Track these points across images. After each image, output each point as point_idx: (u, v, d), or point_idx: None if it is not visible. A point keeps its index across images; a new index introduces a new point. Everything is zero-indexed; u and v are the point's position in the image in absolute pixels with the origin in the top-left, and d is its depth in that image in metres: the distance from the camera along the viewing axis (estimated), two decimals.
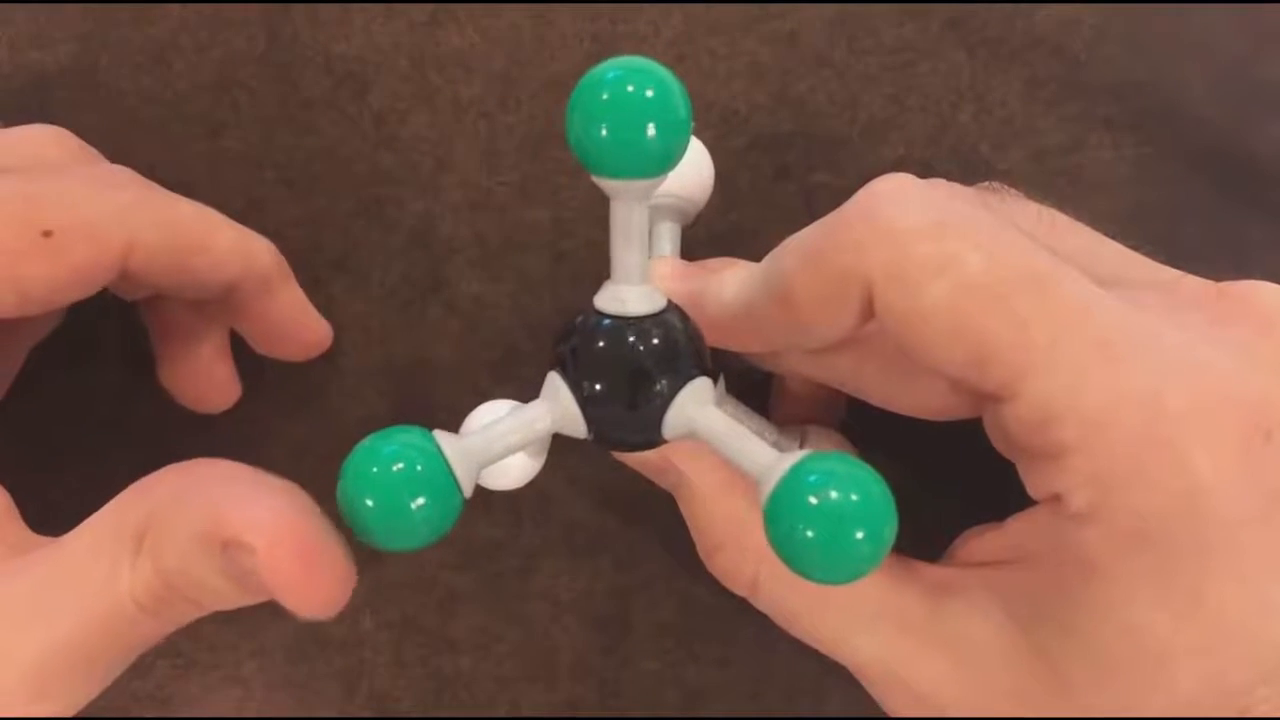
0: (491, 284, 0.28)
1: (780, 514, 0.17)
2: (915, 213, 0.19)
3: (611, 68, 0.17)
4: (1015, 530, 0.22)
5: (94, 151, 0.26)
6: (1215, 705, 0.19)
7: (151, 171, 0.27)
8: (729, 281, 0.22)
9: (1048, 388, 0.18)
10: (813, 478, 0.17)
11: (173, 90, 0.28)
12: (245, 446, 0.27)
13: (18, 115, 0.28)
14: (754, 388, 0.26)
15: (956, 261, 0.19)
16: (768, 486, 0.18)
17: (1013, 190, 0.23)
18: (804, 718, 0.28)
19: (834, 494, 0.17)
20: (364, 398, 0.28)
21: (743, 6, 0.27)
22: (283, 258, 0.26)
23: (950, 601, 0.21)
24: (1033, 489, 0.20)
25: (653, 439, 0.20)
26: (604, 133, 0.17)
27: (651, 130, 0.17)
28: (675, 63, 0.27)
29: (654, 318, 0.20)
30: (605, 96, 0.17)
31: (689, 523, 0.24)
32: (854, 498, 0.17)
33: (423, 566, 0.28)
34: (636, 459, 0.24)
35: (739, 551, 0.23)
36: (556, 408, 0.20)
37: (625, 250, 0.19)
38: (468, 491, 0.19)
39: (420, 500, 0.18)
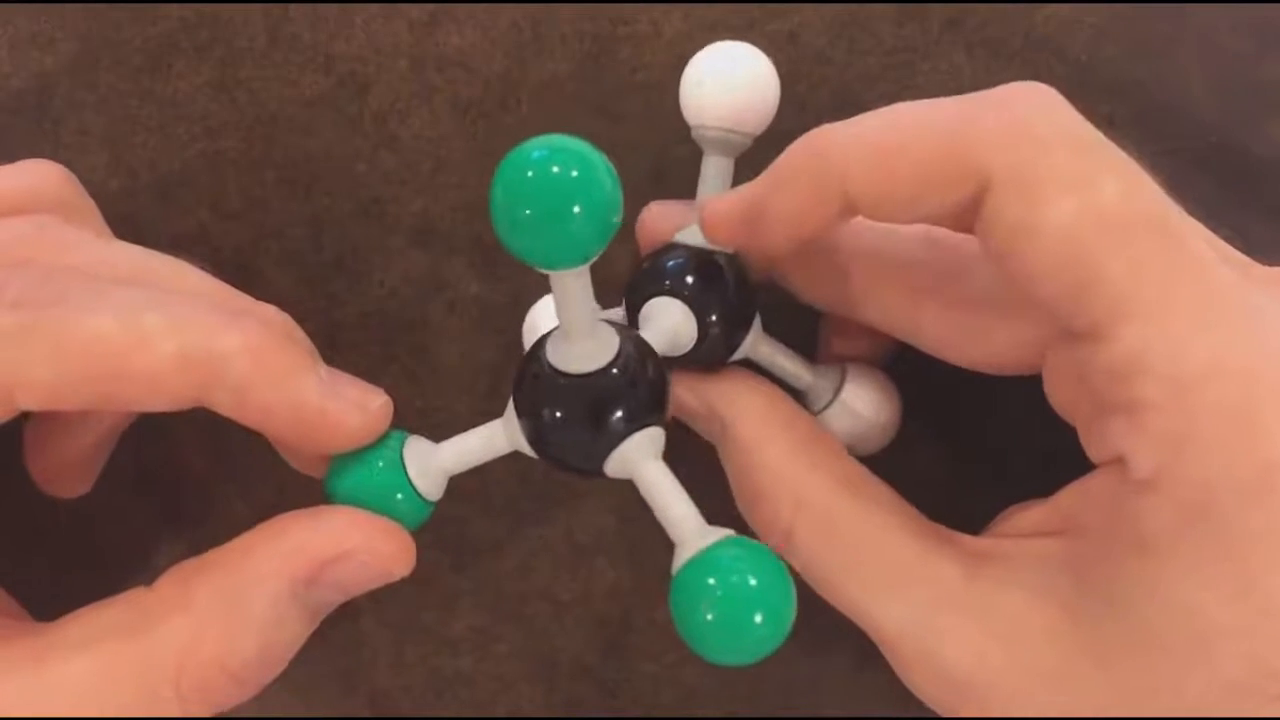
0: (491, 284, 0.28)
1: (682, 593, 0.18)
2: (1060, 122, 0.18)
3: (536, 147, 0.16)
4: (1064, 501, 0.21)
5: (84, 203, 0.24)
6: (1253, 687, 0.18)
7: (152, 171, 0.28)
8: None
9: (1145, 337, 0.18)
10: (717, 560, 0.18)
11: (173, 90, 0.28)
12: (245, 445, 0.27)
13: (18, 114, 0.28)
14: (799, 326, 0.25)
15: (1091, 184, 0.18)
16: (676, 564, 0.19)
17: None
18: (803, 717, 0.28)
19: (734, 579, 0.18)
20: None
21: (743, 6, 0.27)
22: (282, 344, 0.20)
23: (988, 570, 0.21)
24: (1094, 450, 0.20)
25: (595, 472, 0.20)
26: (528, 215, 0.16)
27: (579, 222, 0.16)
28: (676, 63, 0.27)
29: (610, 369, 0.19)
30: (530, 175, 0.16)
31: (729, 470, 0.23)
32: (753, 582, 0.18)
33: (423, 566, 0.28)
34: (679, 405, 0.24)
35: (777, 501, 0.22)
36: (511, 433, 0.21)
37: (569, 316, 0.19)
38: (431, 496, 0.21)
39: (397, 498, 0.21)
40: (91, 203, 0.25)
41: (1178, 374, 0.18)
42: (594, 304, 0.19)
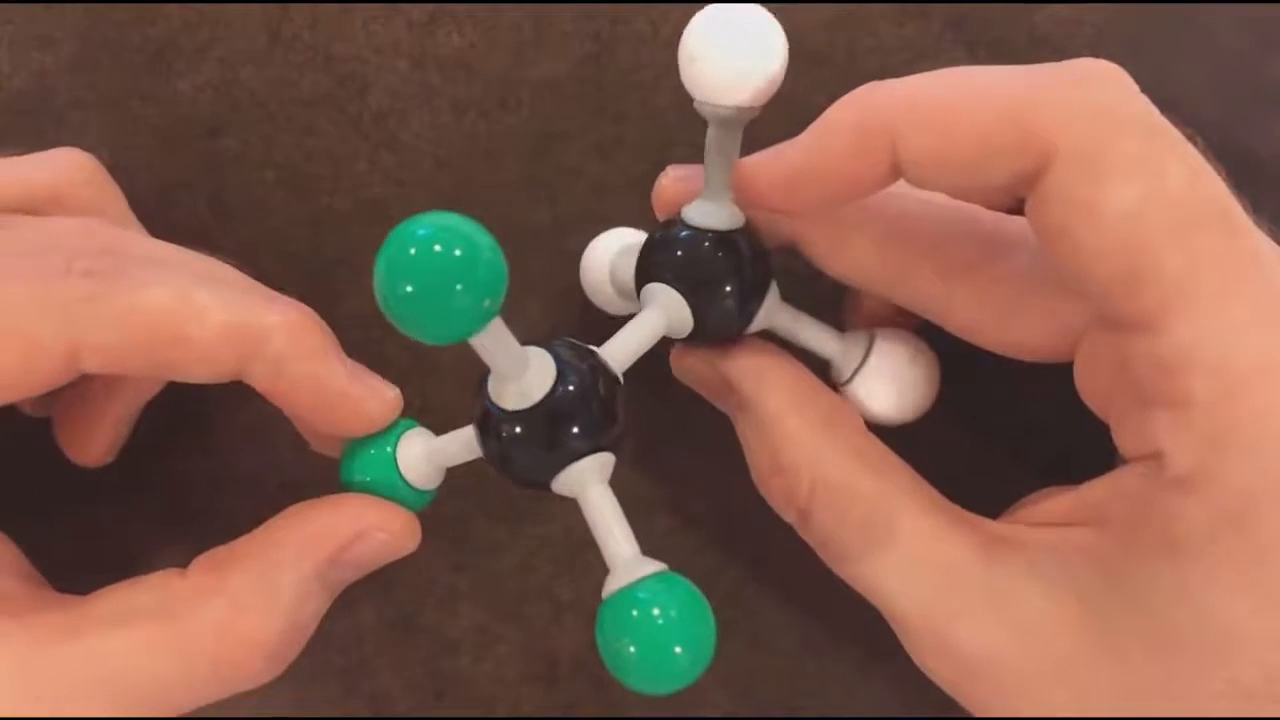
0: None
1: (606, 622, 0.19)
2: (1132, 105, 0.18)
3: (420, 225, 0.17)
4: (1092, 494, 0.21)
5: (113, 191, 0.25)
6: (1269, 696, 0.18)
7: (152, 171, 0.28)
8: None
9: (1197, 331, 0.17)
10: (641, 594, 0.19)
11: (173, 90, 0.28)
12: (251, 440, 0.28)
13: (18, 114, 0.28)
14: (823, 290, 0.25)
15: (1157, 171, 0.17)
16: (605, 593, 0.19)
17: None
18: (804, 718, 0.28)
19: (655, 611, 0.18)
20: None
21: None
22: (315, 328, 0.22)
23: (1006, 556, 0.21)
24: (1129, 444, 0.19)
25: (544, 489, 0.21)
26: (409, 291, 0.16)
27: (460, 300, 0.16)
28: (675, 62, 0.27)
29: (548, 399, 0.20)
30: (413, 253, 0.16)
31: (747, 444, 0.23)
32: (673, 614, 0.18)
33: (423, 566, 0.28)
34: (696, 379, 0.24)
35: (795, 477, 0.22)
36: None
37: (492, 364, 0.19)
38: (424, 485, 0.22)
39: (396, 484, 0.22)
40: (118, 190, 0.25)
41: (1227, 372, 0.17)
42: (516, 346, 0.19)
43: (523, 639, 0.28)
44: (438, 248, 0.16)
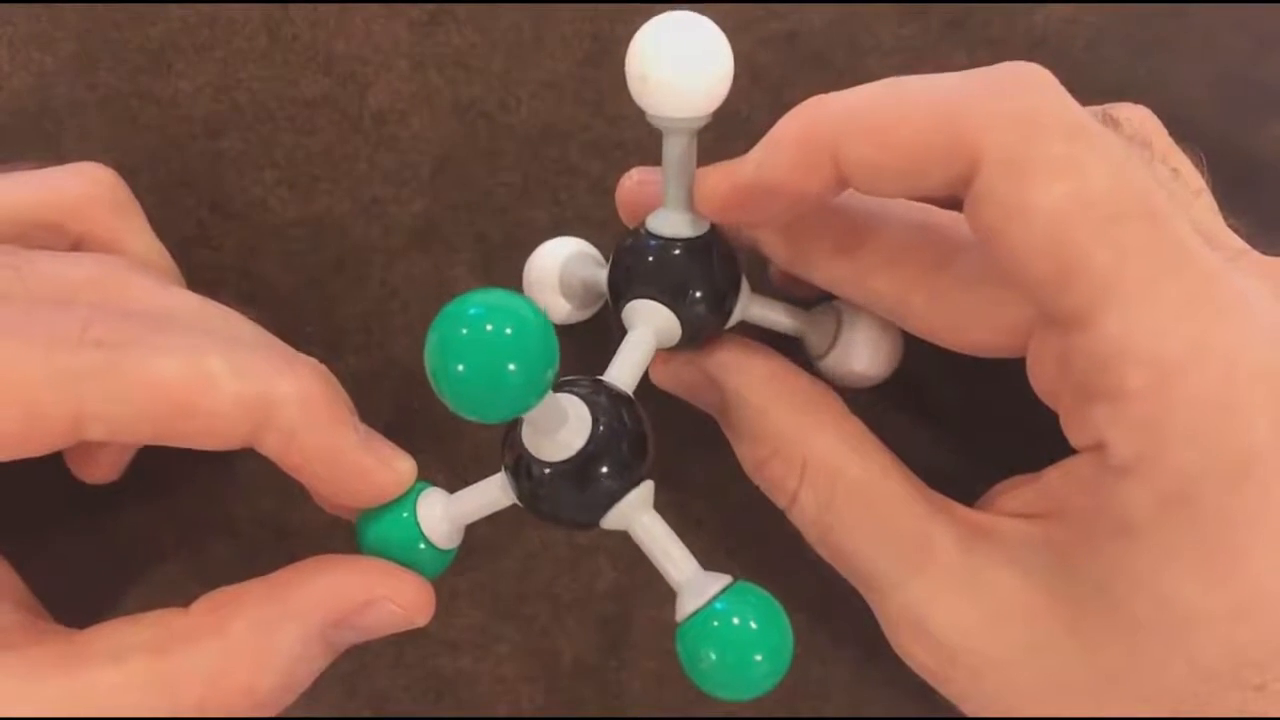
0: (491, 284, 0.28)
1: (688, 636, 0.20)
2: (1054, 106, 0.18)
3: (472, 304, 0.16)
4: (1050, 482, 0.21)
5: (132, 208, 0.25)
6: (1232, 676, 0.19)
7: (152, 171, 0.28)
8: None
9: (1128, 324, 0.18)
10: (719, 605, 0.19)
11: (173, 90, 0.28)
12: (246, 453, 0.27)
13: (18, 114, 0.28)
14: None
15: (1081, 171, 0.18)
16: (684, 610, 0.20)
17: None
18: (803, 718, 0.28)
19: (735, 620, 0.19)
20: (364, 399, 0.28)
21: (743, 6, 0.27)
22: (330, 395, 0.21)
23: (981, 545, 0.21)
24: (1076, 436, 0.20)
25: (593, 528, 0.21)
26: (461, 371, 0.16)
27: (514, 379, 0.16)
28: None
29: (587, 448, 0.20)
30: (465, 333, 0.16)
31: (736, 436, 0.24)
32: (753, 625, 0.19)
33: None
34: (679, 383, 0.25)
35: (786, 462, 0.23)
36: (510, 493, 0.21)
37: (534, 420, 0.19)
38: (446, 545, 0.22)
39: (418, 549, 0.22)
40: (137, 205, 0.25)
41: (1158, 361, 0.18)
42: (558, 404, 0.19)
43: (523, 639, 0.28)
44: (489, 327, 0.16)
